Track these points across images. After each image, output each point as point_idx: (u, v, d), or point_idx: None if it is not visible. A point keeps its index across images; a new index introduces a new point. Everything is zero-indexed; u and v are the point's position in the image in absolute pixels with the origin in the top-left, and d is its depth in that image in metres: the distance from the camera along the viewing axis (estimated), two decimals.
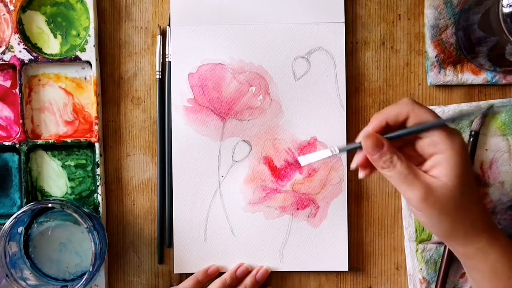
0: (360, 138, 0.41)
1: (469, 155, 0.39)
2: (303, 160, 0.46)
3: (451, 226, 0.40)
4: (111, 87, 0.53)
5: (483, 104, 0.51)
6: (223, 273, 0.52)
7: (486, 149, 0.51)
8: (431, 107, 0.51)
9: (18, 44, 0.51)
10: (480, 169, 0.51)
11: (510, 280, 0.41)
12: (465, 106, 0.51)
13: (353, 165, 0.43)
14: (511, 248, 0.41)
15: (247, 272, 0.52)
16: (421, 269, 0.51)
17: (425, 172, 0.40)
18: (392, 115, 0.40)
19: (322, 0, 0.52)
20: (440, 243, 0.51)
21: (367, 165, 0.42)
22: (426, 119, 0.39)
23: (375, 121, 0.41)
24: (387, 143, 0.40)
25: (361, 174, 0.43)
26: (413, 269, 0.52)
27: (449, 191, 0.38)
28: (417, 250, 0.51)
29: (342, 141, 0.52)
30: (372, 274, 0.53)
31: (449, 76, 0.52)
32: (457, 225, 0.40)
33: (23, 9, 0.52)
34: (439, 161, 0.39)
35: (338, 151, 0.44)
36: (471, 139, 0.50)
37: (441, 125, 0.39)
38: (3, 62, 0.51)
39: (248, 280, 0.51)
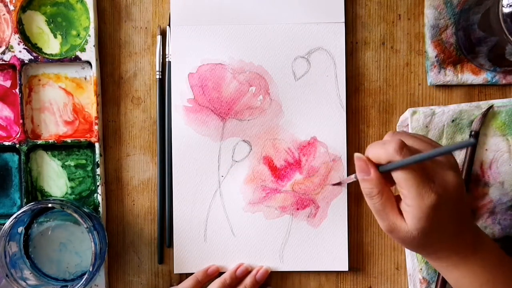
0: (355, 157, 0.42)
1: (441, 210, 0.38)
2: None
3: (414, 250, 0.44)
4: (111, 87, 0.53)
5: (483, 104, 0.51)
6: (223, 273, 0.52)
7: (486, 149, 0.51)
8: (431, 107, 0.51)
9: (18, 44, 0.51)
10: (480, 169, 0.51)
11: None
12: (465, 106, 0.51)
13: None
14: (479, 268, 0.41)
15: (247, 272, 0.52)
16: (421, 269, 0.51)
17: (401, 204, 0.40)
18: (374, 156, 0.41)
19: (322, 0, 0.52)
20: None
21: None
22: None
23: (364, 153, 0.42)
24: (374, 174, 0.40)
25: None
26: (413, 269, 0.52)
27: (412, 236, 0.40)
28: None
29: (342, 141, 0.52)
30: (372, 274, 0.53)
31: (449, 76, 0.52)
32: (418, 251, 0.43)
33: (23, 9, 0.52)
34: (407, 211, 0.39)
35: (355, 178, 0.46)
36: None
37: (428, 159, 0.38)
38: (3, 62, 0.51)
39: (248, 280, 0.51)
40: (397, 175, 0.39)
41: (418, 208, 0.38)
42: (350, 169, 0.52)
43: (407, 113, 0.51)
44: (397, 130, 0.52)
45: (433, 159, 0.40)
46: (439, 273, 0.51)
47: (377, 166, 0.41)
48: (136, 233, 0.53)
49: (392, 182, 0.40)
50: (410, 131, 0.51)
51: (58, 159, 0.53)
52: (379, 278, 0.53)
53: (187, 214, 0.52)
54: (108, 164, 0.53)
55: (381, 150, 0.40)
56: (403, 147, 0.38)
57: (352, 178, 0.47)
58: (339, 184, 0.52)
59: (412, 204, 0.38)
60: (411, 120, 0.51)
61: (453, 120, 0.50)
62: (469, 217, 0.42)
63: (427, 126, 0.50)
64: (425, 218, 0.38)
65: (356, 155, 0.41)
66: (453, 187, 0.39)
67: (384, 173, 0.40)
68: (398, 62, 0.53)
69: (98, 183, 0.52)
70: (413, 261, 0.51)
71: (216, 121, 0.52)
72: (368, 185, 0.41)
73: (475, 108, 0.51)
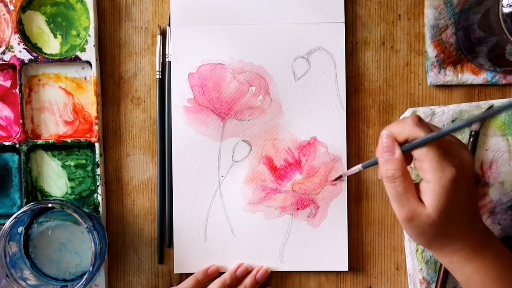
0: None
1: (460, 186, 0.39)
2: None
3: (428, 243, 0.42)
4: (111, 87, 0.53)
5: (483, 104, 0.51)
6: (223, 273, 0.52)
7: (486, 149, 0.51)
8: (431, 107, 0.51)
9: (18, 44, 0.51)
10: (480, 169, 0.51)
11: None
12: (465, 106, 0.51)
13: (379, 176, 0.44)
14: (489, 264, 0.41)
15: (247, 272, 0.52)
16: (421, 269, 0.51)
17: (418, 193, 0.40)
18: (394, 131, 0.41)
19: (322, 0, 0.52)
20: None
21: None
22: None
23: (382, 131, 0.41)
24: (399, 154, 0.40)
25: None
26: (413, 269, 0.52)
27: (431, 220, 0.39)
28: (417, 250, 0.51)
29: (342, 141, 0.52)
30: (372, 274, 0.53)
31: (449, 76, 0.52)
32: (433, 243, 0.42)
33: (23, 9, 0.52)
34: (426, 189, 0.40)
35: (362, 167, 0.47)
36: (471, 139, 0.50)
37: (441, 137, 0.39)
38: (3, 62, 0.51)
39: (248, 280, 0.51)
40: (419, 151, 0.39)
41: (439, 182, 0.38)
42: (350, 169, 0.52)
43: (407, 113, 0.51)
44: None
45: (447, 139, 0.40)
46: (439, 273, 0.51)
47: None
48: (136, 233, 0.53)
49: (408, 162, 0.41)
50: None
51: (58, 159, 0.53)
52: (379, 278, 0.53)
53: (187, 214, 0.52)
54: (108, 164, 0.53)
55: (399, 127, 0.40)
56: (421, 120, 0.39)
57: (356, 169, 0.47)
58: (339, 178, 0.51)
59: (433, 178, 0.39)
60: None
61: (453, 120, 0.51)
62: (478, 207, 0.43)
63: None
64: (445, 194, 0.38)
65: (384, 132, 0.41)
66: (469, 163, 0.40)
67: (404, 153, 0.40)
68: (398, 62, 0.53)
69: (98, 183, 0.52)
70: (413, 261, 0.51)
71: (216, 121, 0.52)
72: (393, 166, 0.40)
73: (475, 108, 0.51)
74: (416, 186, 0.41)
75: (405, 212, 0.40)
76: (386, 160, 0.40)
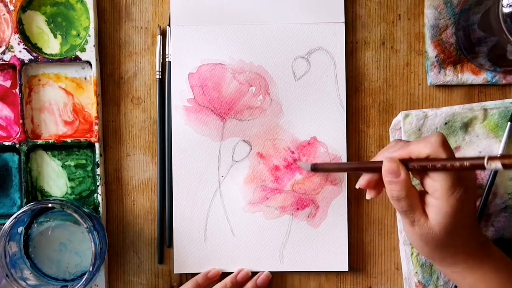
0: (380, 158, 0.42)
1: (466, 205, 0.39)
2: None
3: (430, 254, 0.42)
4: (111, 87, 0.53)
5: (476, 106, 0.50)
6: (223, 275, 0.52)
7: (480, 151, 0.50)
8: (424, 110, 0.51)
9: (18, 44, 0.51)
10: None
11: None
12: (458, 109, 0.50)
13: (357, 185, 0.44)
14: (490, 272, 0.42)
15: (248, 277, 0.52)
16: (416, 272, 0.51)
17: (422, 204, 0.40)
18: (416, 152, 0.40)
19: (322, 0, 0.52)
20: None
21: (375, 186, 0.44)
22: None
23: (401, 152, 0.40)
24: (404, 175, 0.40)
25: (368, 195, 0.45)
26: (408, 272, 0.51)
27: (434, 234, 0.40)
28: (412, 254, 0.51)
29: (342, 141, 0.52)
30: (372, 274, 0.53)
31: (449, 76, 0.52)
32: (435, 254, 0.42)
33: (23, 9, 0.52)
34: (433, 204, 0.39)
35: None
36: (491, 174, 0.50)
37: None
38: (3, 62, 0.51)
39: (249, 285, 0.51)
40: (434, 174, 0.39)
41: (447, 201, 0.38)
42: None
43: (400, 116, 0.51)
44: (390, 133, 0.52)
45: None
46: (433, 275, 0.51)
47: (406, 166, 0.40)
48: (136, 233, 0.53)
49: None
50: (402, 134, 0.51)
51: (58, 159, 0.53)
52: (379, 278, 0.53)
53: (187, 214, 0.52)
54: (108, 164, 0.53)
55: (424, 145, 0.39)
56: (446, 141, 0.39)
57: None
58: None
59: (441, 197, 0.38)
60: (403, 123, 0.50)
61: (446, 123, 0.50)
62: (477, 218, 0.43)
63: (420, 129, 0.50)
64: (451, 213, 0.39)
65: (389, 157, 0.40)
66: (474, 182, 0.40)
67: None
68: (398, 62, 0.53)
69: (98, 183, 0.52)
70: (408, 264, 0.51)
71: (216, 121, 0.52)
72: (397, 188, 0.40)
73: (468, 111, 0.50)
74: (420, 195, 0.41)
75: (407, 221, 0.41)
76: (390, 181, 0.40)
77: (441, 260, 0.42)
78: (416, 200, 0.40)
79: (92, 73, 0.52)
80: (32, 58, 0.51)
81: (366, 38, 0.53)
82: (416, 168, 0.39)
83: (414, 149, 0.40)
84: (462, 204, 0.39)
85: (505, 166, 0.34)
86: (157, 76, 0.53)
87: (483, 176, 0.51)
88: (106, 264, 0.53)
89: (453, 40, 0.52)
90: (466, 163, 0.36)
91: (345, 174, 0.52)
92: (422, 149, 0.39)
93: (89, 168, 0.53)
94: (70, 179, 0.53)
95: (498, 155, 0.36)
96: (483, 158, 0.35)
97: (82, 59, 0.51)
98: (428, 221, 0.40)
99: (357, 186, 0.44)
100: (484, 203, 0.50)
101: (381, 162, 0.41)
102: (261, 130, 0.52)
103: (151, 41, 0.53)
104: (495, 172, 0.50)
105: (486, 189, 0.50)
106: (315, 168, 0.49)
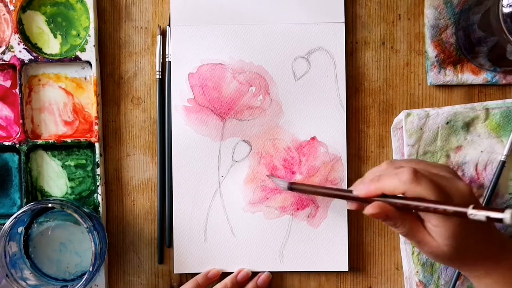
0: (356, 188, 0.42)
1: (465, 224, 0.38)
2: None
3: (446, 264, 0.43)
4: (111, 87, 0.53)
5: (478, 105, 0.50)
6: (223, 275, 0.52)
7: (482, 151, 0.50)
8: (426, 109, 0.51)
9: (18, 44, 0.51)
10: (475, 171, 0.51)
11: None
12: (459, 108, 0.50)
13: (348, 207, 0.45)
14: (509, 273, 0.41)
15: (248, 277, 0.52)
16: (417, 272, 0.51)
17: (424, 223, 0.40)
18: (391, 188, 0.39)
19: (322, 0, 0.52)
20: None
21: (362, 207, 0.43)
22: (426, 197, 0.38)
23: (373, 188, 0.40)
24: (391, 212, 0.39)
25: (349, 206, 0.45)
26: (409, 272, 0.51)
27: (444, 252, 0.40)
28: (413, 253, 0.51)
29: (342, 141, 0.52)
30: (372, 274, 0.53)
31: (449, 76, 0.52)
32: (453, 264, 0.43)
33: (23, 9, 0.52)
34: (432, 229, 0.39)
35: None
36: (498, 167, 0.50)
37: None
38: (3, 62, 0.51)
39: (250, 285, 0.51)
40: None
41: (445, 227, 0.38)
42: (350, 169, 0.52)
43: (401, 115, 0.51)
44: (391, 132, 0.52)
45: (442, 176, 0.40)
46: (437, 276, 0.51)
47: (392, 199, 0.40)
48: (136, 233, 0.53)
49: None
50: (404, 133, 0.51)
51: (58, 159, 0.53)
52: (379, 278, 0.53)
53: (187, 214, 0.52)
54: (108, 164, 0.53)
55: (394, 183, 0.39)
56: (417, 175, 0.38)
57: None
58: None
59: (438, 224, 0.38)
60: (405, 122, 0.50)
61: (447, 122, 0.50)
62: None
63: (421, 128, 0.50)
64: (453, 236, 0.38)
65: (376, 204, 0.39)
66: (467, 193, 0.39)
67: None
68: (398, 62, 0.53)
69: (98, 183, 0.52)
70: (409, 263, 0.51)
71: (216, 121, 0.52)
72: (390, 223, 0.40)
73: (470, 110, 0.50)
74: (418, 216, 0.40)
75: (414, 241, 0.41)
76: (380, 219, 0.40)
77: (457, 267, 0.43)
78: (414, 224, 0.40)
79: (92, 73, 0.52)
80: (32, 58, 0.51)
81: (366, 38, 0.53)
82: (399, 206, 0.39)
83: (388, 185, 0.39)
84: (463, 225, 0.38)
85: (489, 219, 0.34)
86: (157, 76, 0.53)
87: (483, 176, 0.51)
88: (106, 264, 0.53)
89: (453, 40, 0.52)
90: (450, 210, 0.36)
91: (345, 174, 0.52)
92: (396, 187, 0.39)
93: (89, 168, 0.53)
94: (70, 179, 0.53)
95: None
96: (467, 208, 0.35)
97: (82, 59, 0.51)
98: (434, 241, 0.39)
99: (348, 207, 0.45)
100: (486, 204, 0.50)
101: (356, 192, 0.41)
102: (261, 130, 0.52)
103: (151, 41, 0.53)
104: (499, 173, 0.50)
105: (489, 189, 0.50)
106: (292, 188, 0.50)
